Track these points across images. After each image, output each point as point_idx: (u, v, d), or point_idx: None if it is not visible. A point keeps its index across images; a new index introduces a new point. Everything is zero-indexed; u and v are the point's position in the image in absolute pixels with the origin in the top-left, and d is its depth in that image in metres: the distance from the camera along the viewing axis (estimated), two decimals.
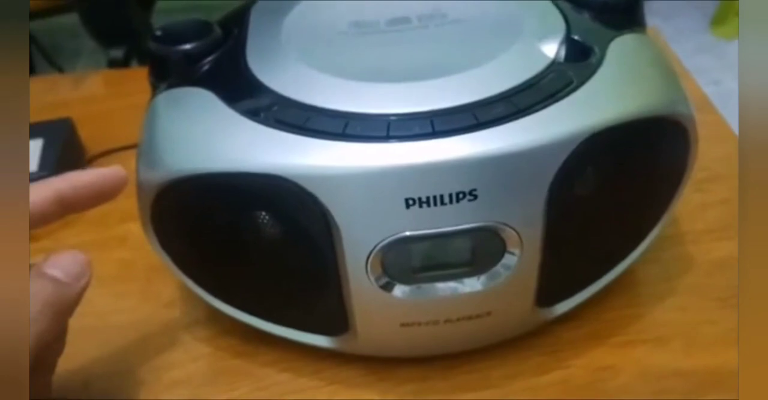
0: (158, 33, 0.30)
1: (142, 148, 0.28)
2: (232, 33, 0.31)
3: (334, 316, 0.28)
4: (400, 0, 0.31)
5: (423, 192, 0.23)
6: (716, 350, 0.31)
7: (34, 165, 0.41)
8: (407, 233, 0.24)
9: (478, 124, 0.23)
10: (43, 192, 0.26)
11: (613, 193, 0.27)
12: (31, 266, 0.26)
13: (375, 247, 0.24)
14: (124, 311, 0.35)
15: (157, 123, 0.28)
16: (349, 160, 0.23)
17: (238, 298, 0.30)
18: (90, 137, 0.48)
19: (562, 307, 0.30)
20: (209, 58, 0.29)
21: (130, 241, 0.39)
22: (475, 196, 0.23)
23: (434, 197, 0.23)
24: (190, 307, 0.35)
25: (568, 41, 0.27)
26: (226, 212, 0.26)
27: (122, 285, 0.36)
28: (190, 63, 0.29)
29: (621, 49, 0.27)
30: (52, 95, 0.56)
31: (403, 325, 0.28)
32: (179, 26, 0.31)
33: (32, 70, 1.65)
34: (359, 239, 0.24)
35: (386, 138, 0.23)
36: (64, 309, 0.25)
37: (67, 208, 0.27)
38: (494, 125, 0.23)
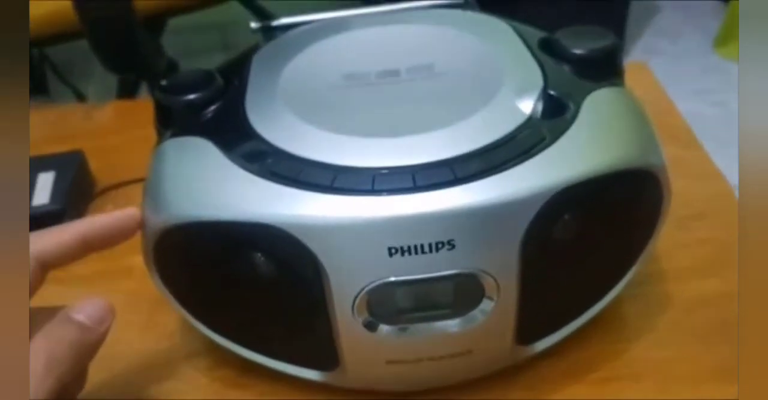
0: (164, 83, 0.32)
1: (148, 192, 0.30)
2: (233, 83, 0.33)
3: (323, 352, 0.30)
4: (392, 49, 0.33)
5: (405, 242, 0.25)
6: (691, 386, 0.32)
7: (45, 198, 0.43)
8: (391, 279, 0.26)
9: (455, 179, 0.25)
10: (69, 235, 0.29)
11: (587, 241, 0.28)
12: (58, 310, 0.28)
13: (360, 291, 0.26)
14: (128, 341, 0.37)
15: (161, 170, 0.30)
16: (337, 212, 0.25)
17: (234, 332, 0.32)
18: (100, 169, 0.50)
19: (542, 344, 0.32)
20: (211, 108, 0.32)
21: (136, 272, 0.41)
22: (453, 246, 0.25)
23: (415, 247, 0.25)
24: (190, 338, 0.36)
25: (545, 96, 0.29)
26: (223, 255, 0.28)
27: (127, 315, 0.38)
28: (193, 112, 0.31)
29: (595, 104, 0.29)
30: (63, 126, 0.58)
31: (388, 362, 0.29)
32: (184, 77, 0.33)
33: (45, 89, 1.69)
34: (346, 284, 0.26)
35: (371, 191, 0.25)
36: (86, 351, 0.27)
37: (90, 247, 0.30)
38: (470, 181, 0.25)
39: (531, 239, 0.26)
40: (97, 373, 0.34)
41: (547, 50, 0.32)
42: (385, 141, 0.27)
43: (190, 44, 1.61)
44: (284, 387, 0.33)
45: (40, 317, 0.29)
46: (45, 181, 0.44)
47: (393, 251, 0.25)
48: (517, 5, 1.32)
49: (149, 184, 0.30)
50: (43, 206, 0.42)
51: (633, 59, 1.57)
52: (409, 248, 0.25)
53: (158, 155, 0.31)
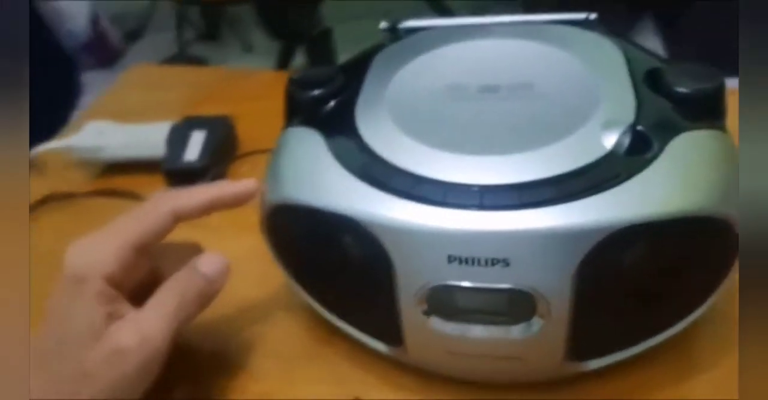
0: (295, 77, 0.37)
1: (269, 169, 0.36)
2: (353, 81, 0.37)
3: (390, 329, 0.34)
4: (500, 63, 0.35)
5: (463, 253, 0.28)
6: None
7: (194, 155, 0.50)
8: (448, 282, 0.29)
9: (520, 204, 0.27)
10: (201, 196, 0.35)
11: (649, 278, 0.29)
12: (187, 249, 0.35)
13: (421, 288, 0.30)
14: (243, 290, 0.41)
15: (280, 154, 0.35)
16: (408, 216, 0.28)
17: (322, 297, 0.37)
18: (246, 132, 0.57)
19: (595, 363, 0.33)
20: (330, 104, 0.36)
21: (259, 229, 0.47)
22: (508, 264, 0.28)
23: (472, 259, 0.28)
24: (292, 295, 0.42)
25: (633, 132, 0.30)
26: (316, 234, 0.33)
27: (246, 267, 0.43)
28: (314, 106, 0.36)
29: (682, 145, 0.29)
30: (223, 88, 0.66)
31: (445, 352, 0.33)
32: (312, 73, 0.37)
33: (217, 36, 1.87)
34: (410, 279, 0.30)
35: (441, 203, 0.28)
36: (206, 300, 0.34)
37: (215, 208, 0.36)
38: (533, 207, 0.27)
39: (587, 269, 0.28)
40: (209, 314, 0.40)
41: (652, 83, 0.33)
42: (465, 158, 0.30)
43: (352, 10, 1.68)
44: (367, 353, 0.37)
45: (170, 252, 0.36)
46: (196, 140, 0.51)
47: (452, 258, 0.28)
48: None
49: (271, 164, 0.36)
50: (191, 162, 0.50)
51: None
52: (466, 258, 0.28)
53: (281, 140, 0.36)
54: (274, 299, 0.42)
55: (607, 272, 0.28)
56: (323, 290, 0.36)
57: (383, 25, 0.41)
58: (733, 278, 0.31)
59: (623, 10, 1.12)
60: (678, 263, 0.29)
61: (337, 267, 0.33)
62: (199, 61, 1.77)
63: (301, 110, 0.37)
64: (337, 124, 0.34)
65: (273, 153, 0.36)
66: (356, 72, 0.37)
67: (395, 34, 0.41)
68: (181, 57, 1.80)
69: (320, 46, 1.03)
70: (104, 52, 1.95)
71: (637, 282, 0.29)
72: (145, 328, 0.31)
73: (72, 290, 0.31)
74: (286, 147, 0.35)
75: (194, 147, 0.51)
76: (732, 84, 0.30)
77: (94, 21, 1.91)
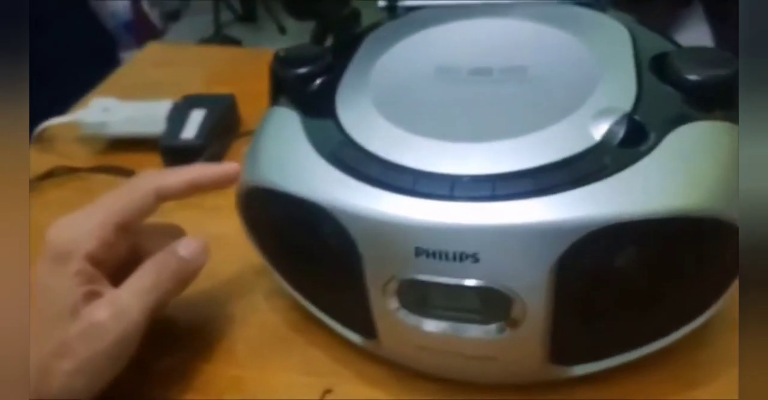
0: (281, 55, 0.36)
1: (248, 151, 0.34)
2: (341, 61, 0.35)
3: (363, 322, 0.32)
4: (495, 45, 0.33)
5: (430, 246, 0.26)
6: None
7: (192, 133, 0.49)
8: (415, 276, 0.27)
9: (493, 195, 0.25)
10: (183, 177, 0.34)
11: (639, 281, 0.27)
12: (168, 228, 0.35)
13: (389, 280, 0.28)
14: (225, 271, 0.42)
15: (259, 134, 0.33)
16: (375, 205, 0.27)
17: (297, 283, 0.35)
18: (252, 112, 0.55)
19: (582, 369, 0.31)
20: (315, 84, 0.34)
21: None
22: (478, 259, 0.26)
23: (440, 252, 0.26)
24: (273, 279, 0.41)
25: (628, 122, 0.27)
26: (284, 219, 0.31)
27: (230, 248, 0.43)
28: (297, 86, 0.34)
29: (682, 138, 0.26)
30: (231, 68, 0.65)
31: (418, 347, 0.31)
32: (299, 50, 0.36)
33: (254, 18, 1.87)
34: (377, 271, 0.28)
35: (411, 192, 0.26)
36: (183, 279, 0.33)
37: (197, 189, 0.35)
38: (508, 199, 0.25)
39: (565, 269, 0.25)
40: (190, 294, 0.39)
41: (659, 68, 0.30)
42: (442, 145, 0.27)
43: None
44: (343, 345, 0.36)
45: (152, 233, 0.35)
46: (195, 118, 0.50)
47: (419, 251, 0.26)
48: None
49: (252, 143, 0.34)
50: (188, 140, 0.49)
51: None
52: (434, 252, 0.26)
53: (263, 119, 0.35)
54: (256, 282, 0.41)
55: (588, 273, 0.26)
56: (297, 276, 0.35)
57: (381, 3, 0.39)
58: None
59: None
60: (670, 267, 0.27)
61: (307, 254, 0.32)
62: (234, 43, 1.78)
63: (284, 89, 0.35)
64: (317, 105, 0.32)
65: (256, 131, 0.35)
66: (345, 51, 0.35)
67: (394, 12, 0.39)
68: (218, 38, 1.80)
69: (348, 28, 1.01)
70: (144, 33, 1.97)
71: (623, 285, 0.27)
72: (121, 304, 0.31)
73: (53, 267, 0.31)
74: (265, 127, 0.34)
75: (192, 125, 0.50)
76: None
77: (136, 2, 1.93)
